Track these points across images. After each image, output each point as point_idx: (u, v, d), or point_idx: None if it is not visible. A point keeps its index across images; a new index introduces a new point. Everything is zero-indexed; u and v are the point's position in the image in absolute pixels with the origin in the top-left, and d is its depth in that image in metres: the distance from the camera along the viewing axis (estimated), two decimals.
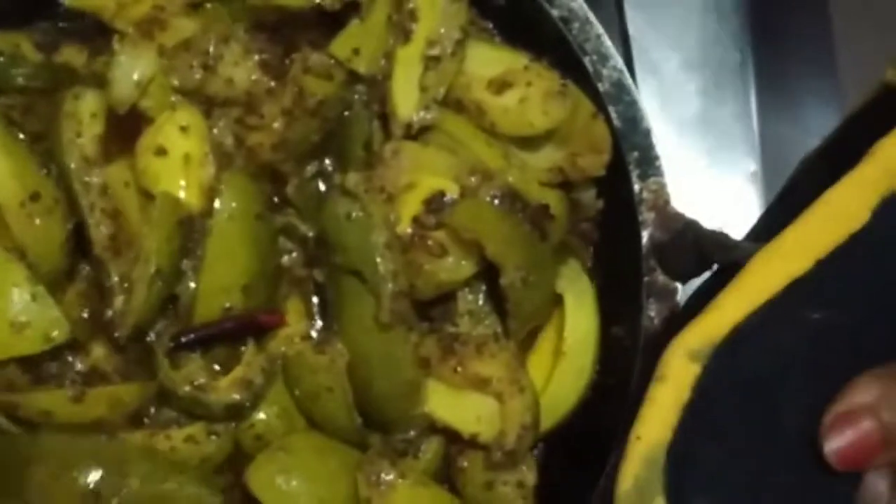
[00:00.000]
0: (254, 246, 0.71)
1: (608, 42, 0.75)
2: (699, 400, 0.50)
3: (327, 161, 0.75)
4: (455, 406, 0.72)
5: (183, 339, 0.70)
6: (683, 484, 0.49)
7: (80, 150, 0.71)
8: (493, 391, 0.71)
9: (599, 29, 0.75)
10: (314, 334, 0.75)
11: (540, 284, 0.72)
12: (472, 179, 0.71)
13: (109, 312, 0.71)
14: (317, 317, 0.76)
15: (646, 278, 0.73)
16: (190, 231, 0.70)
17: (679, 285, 0.73)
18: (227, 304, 0.71)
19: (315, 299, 0.76)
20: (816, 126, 0.96)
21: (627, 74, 0.75)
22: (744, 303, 0.51)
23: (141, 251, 0.69)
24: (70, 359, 0.73)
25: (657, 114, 0.93)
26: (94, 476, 0.69)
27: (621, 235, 0.75)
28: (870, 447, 0.49)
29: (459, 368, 0.71)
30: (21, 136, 0.73)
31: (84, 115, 0.72)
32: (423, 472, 0.73)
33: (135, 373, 0.73)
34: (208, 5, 0.74)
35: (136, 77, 0.71)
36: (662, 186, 0.73)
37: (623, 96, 0.74)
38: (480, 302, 0.74)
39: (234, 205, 0.70)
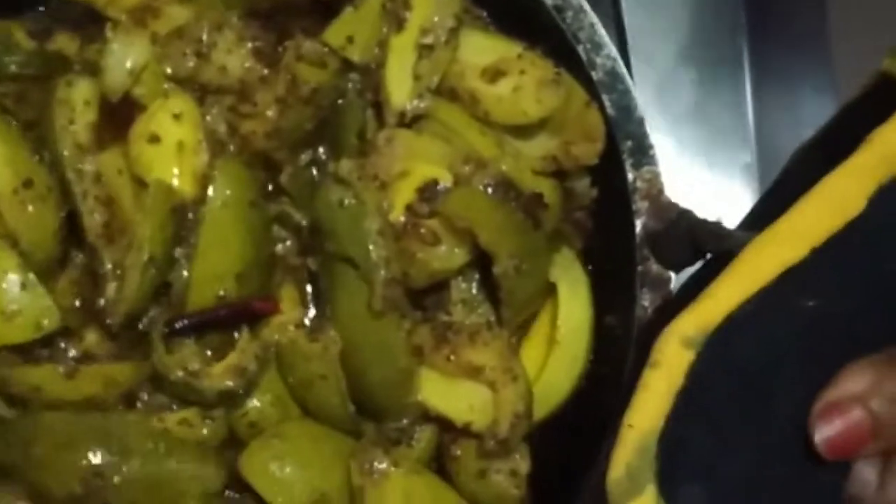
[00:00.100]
0: (247, 233, 0.71)
1: (602, 31, 0.75)
2: (692, 387, 0.50)
3: (321, 149, 0.75)
4: (448, 394, 0.72)
5: (177, 325, 0.70)
6: (675, 471, 0.49)
7: (74, 137, 0.71)
8: (486, 380, 0.71)
9: (593, 17, 0.75)
10: (308, 322, 0.75)
11: (533, 273, 0.71)
12: (466, 168, 0.71)
13: (102, 300, 0.70)
14: (311, 305, 0.76)
15: (639, 268, 0.73)
16: (183, 219, 0.70)
17: (673, 275, 0.73)
18: (221, 292, 0.71)
19: (309, 288, 0.76)
20: (811, 117, 0.96)
21: (621, 63, 0.75)
22: (738, 290, 0.51)
23: (134, 239, 0.69)
24: (62, 345, 0.73)
25: (652, 104, 0.93)
26: (95, 454, 0.69)
27: (615, 225, 0.75)
28: (859, 436, 0.49)
29: (452, 357, 0.71)
30: (14, 123, 0.73)
31: (77, 103, 0.72)
32: (417, 460, 0.73)
33: (128, 358, 0.73)
34: None
35: (128, 65, 0.71)
36: (656, 175, 0.73)
37: (617, 85, 0.74)
38: (474, 290, 0.74)
39: (227, 192, 0.70)
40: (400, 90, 0.72)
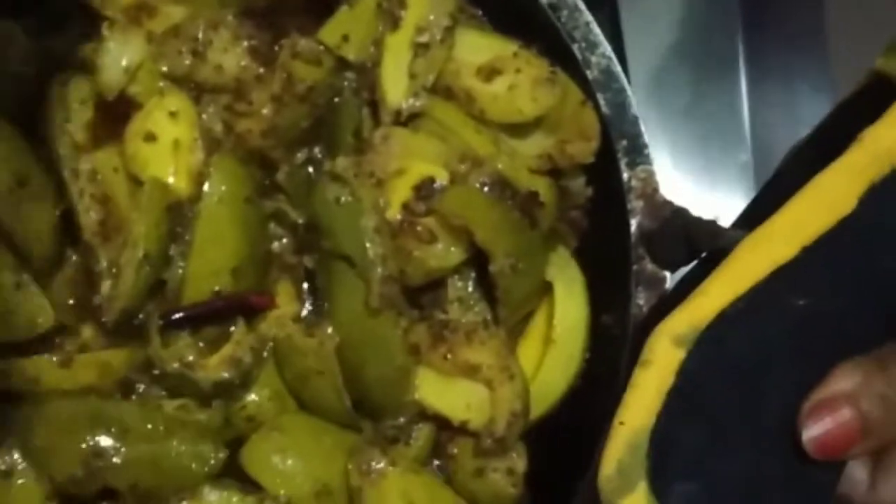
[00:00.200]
0: (243, 229, 0.71)
1: (597, 30, 0.75)
2: (683, 385, 0.50)
3: (317, 148, 0.75)
4: (445, 393, 0.72)
5: (173, 317, 0.71)
6: (666, 469, 0.50)
7: (70, 135, 0.71)
8: (482, 378, 0.71)
9: (588, 17, 0.74)
10: (304, 317, 0.75)
11: (529, 272, 0.72)
12: (462, 166, 0.71)
13: (97, 298, 0.71)
14: (307, 302, 0.76)
15: (634, 267, 0.72)
16: (179, 216, 0.70)
17: (668, 274, 0.72)
18: (216, 288, 0.71)
19: (305, 285, 0.76)
20: (808, 115, 0.96)
21: (616, 62, 0.74)
22: (729, 289, 0.51)
23: (129, 236, 0.69)
24: (58, 340, 0.73)
25: (647, 103, 0.93)
26: (95, 436, 0.69)
27: (610, 224, 0.75)
28: (847, 436, 0.50)
29: (449, 356, 0.71)
30: (9, 121, 0.73)
31: (73, 101, 0.72)
32: (415, 459, 0.73)
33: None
34: None
35: (124, 63, 0.71)
36: (651, 174, 0.73)
37: (612, 84, 0.74)
38: (470, 289, 0.75)
39: (223, 188, 0.70)
40: (395, 89, 0.72)
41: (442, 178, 0.71)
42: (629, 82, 0.75)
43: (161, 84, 0.72)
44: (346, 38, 0.73)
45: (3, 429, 0.71)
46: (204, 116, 0.72)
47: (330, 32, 0.73)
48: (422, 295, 0.75)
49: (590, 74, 0.74)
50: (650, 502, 0.49)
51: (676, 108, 0.96)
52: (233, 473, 0.72)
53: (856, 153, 0.53)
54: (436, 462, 0.76)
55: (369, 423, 0.74)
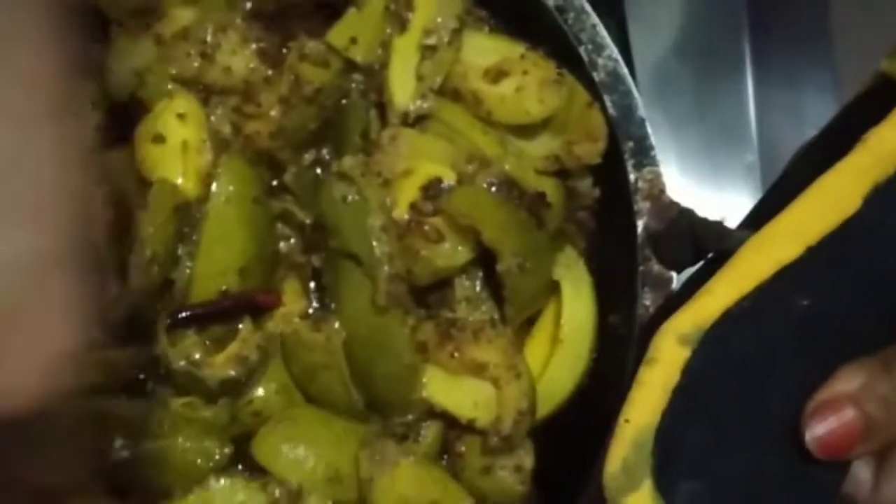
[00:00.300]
0: (251, 229, 0.72)
1: (603, 32, 0.75)
2: (688, 384, 0.50)
3: (325, 150, 0.76)
4: (452, 391, 0.72)
5: (180, 316, 0.71)
6: (671, 467, 0.50)
7: None
8: (489, 377, 0.71)
9: (595, 19, 0.75)
10: (311, 313, 0.75)
11: (537, 271, 0.72)
12: (469, 167, 0.71)
13: (106, 297, 0.71)
14: (314, 300, 0.76)
15: (641, 267, 0.73)
16: (187, 216, 0.71)
17: (674, 274, 0.73)
18: (223, 287, 0.71)
19: (312, 284, 0.76)
20: (814, 117, 0.96)
21: (623, 64, 0.75)
22: (734, 288, 0.52)
23: (137, 237, 0.69)
24: None
25: (654, 105, 0.93)
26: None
27: (617, 225, 0.75)
28: (850, 436, 0.50)
29: (456, 354, 0.71)
30: None
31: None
32: (424, 455, 0.74)
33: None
34: None
35: (133, 66, 0.72)
36: (658, 176, 0.73)
37: (618, 86, 0.75)
38: (478, 288, 0.75)
39: (231, 188, 0.71)
40: (403, 91, 0.73)
41: (449, 179, 0.71)
42: (636, 84, 0.76)
43: (170, 86, 0.72)
44: (353, 41, 0.73)
45: None
46: (212, 118, 0.73)
47: (338, 35, 0.73)
48: (429, 294, 0.75)
49: (596, 76, 0.75)
50: (655, 500, 0.50)
51: (683, 109, 0.95)
52: (248, 468, 0.73)
53: (860, 154, 0.53)
54: (444, 460, 0.76)
55: (378, 420, 0.74)
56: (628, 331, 0.73)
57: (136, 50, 0.72)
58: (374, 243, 0.70)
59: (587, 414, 0.75)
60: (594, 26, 0.75)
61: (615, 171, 0.74)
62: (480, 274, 0.75)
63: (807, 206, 0.53)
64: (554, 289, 0.76)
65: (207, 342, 0.72)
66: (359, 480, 0.71)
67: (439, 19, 0.73)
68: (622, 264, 0.74)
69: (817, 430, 0.50)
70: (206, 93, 0.73)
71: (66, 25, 0.34)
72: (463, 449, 0.74)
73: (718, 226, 0.65)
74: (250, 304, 0.73)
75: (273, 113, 0.72)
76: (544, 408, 0.75)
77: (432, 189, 0.71)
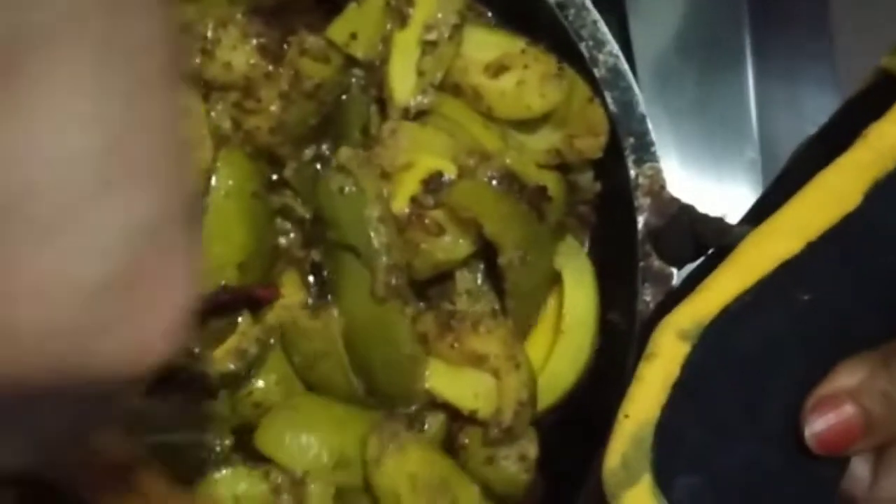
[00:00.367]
0: (250, 224, 0.72)
1: (604, 28, 0.75)
2: (688, 379, 0.50)
3: (325, 145, 0.76)
4: (454, 382, 0.72)
5: None
6: (671, 462, 0.50)
7: None
8: (489, 368, 0.71)
9: (595, 15, 0.75)
10: (310, 302, 0.75)
11: (538, 264, 0.72)
12: (470, 160, 0.71)
13: None
14: (313, 294, 0.76)
15: (641, 263, 0.73)
16: None
17: (675, 270, 0.73)
18: (222, 282, 0.71)
19: (311, 278, 0.76)
20: (815, 113, 0.96)
21: (623, 60, 0.75)
22: (734, 283, 0.52)
23: None
24: None
25: (654, 101, 0.93)
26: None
27: (617, 220, 0.75)
28: (850, 432, 0.50)
29: (456, 345, 0.71)
30: None
31: None
32: (429, 443, 0.74)
33: None
34: None
35: None
36: (658, 171, 0.73)
37: (619, 82, 0.75)
38: (479, 282, 0.75)
39: (230, 182, 0.71)
40: (403, 86, 0.73)
41: (450, 172, 0.72)
42: (636, 80, 0.76)
43: None
44: (354, 36, 0.73)
45: None
46: (213, 114, 0.73)
47: (338, 30, 0.73)
48: (430, 287, 0.75)
49: (597, 73, 0.75)
50: (654, 495, 0.50)
51: (683, 105, 0.95)
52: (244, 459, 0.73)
53: (860, 150, 0.53)
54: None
55: (382, 411, 0.74)
56: (629, 327, 0.73)
57: None
58: (372, 234, 0.70)
59: (588, 411, 0.75)
60: (595, 22, 0.75)
61: (616, 167, 0.75)
62: (482, 267, 0.75)
63: (807, 201, 0.53)
64: (556, 281, 0.76)
65: (207, 337, 0.72)
66: (364, 463, 0.71)
67: (440, 15, 0.73)
68: (622, 260, 0.74)
69: (816, 426, 0.50)
70: (207, 88, 0.73)
71: None
72: (466, 440, 0.74)
73: (719, 222, 0.65)
74: (249, 298, 0.73)
75: (273, 108, 0.72)
76: (548, 398, 0.75)
77: (433, 182, 0.71)
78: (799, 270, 0.52)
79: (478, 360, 0.71)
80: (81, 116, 0.32)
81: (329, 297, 0.74)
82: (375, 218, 0.70)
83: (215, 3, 0.73)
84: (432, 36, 0.72)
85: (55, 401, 0.36)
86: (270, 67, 0.73)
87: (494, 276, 0.73)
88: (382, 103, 0.74)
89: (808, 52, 0.98)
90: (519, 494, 0.74)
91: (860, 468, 0.53)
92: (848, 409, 0.50)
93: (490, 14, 0.79)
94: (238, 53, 0.72)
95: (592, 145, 0.74)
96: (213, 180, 0.71)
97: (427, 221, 0.71)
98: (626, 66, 0.75)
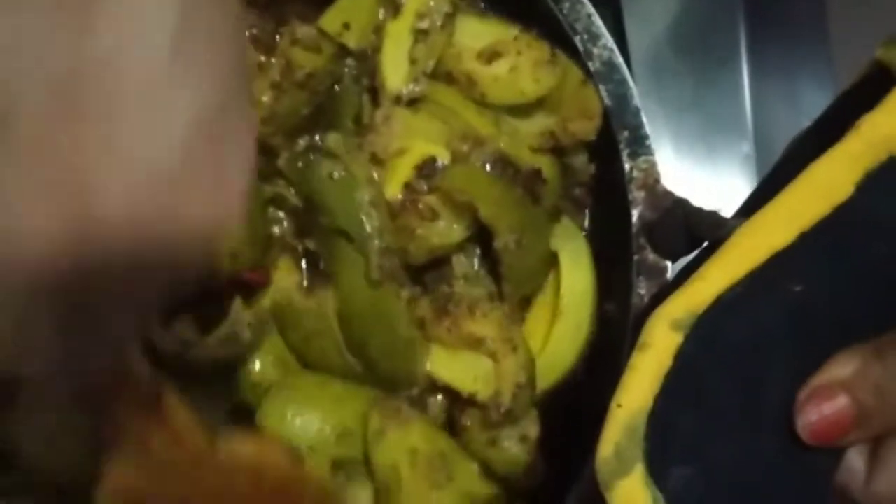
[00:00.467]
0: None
1: (599, 21, 0.75)
2: (681, 369, 0.50)
3: (318, 136, 0.75)
4: (453, 365, 0.72)
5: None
6: (664, 452, 0.50)
7: None
8: (487, 351, 0.71)
9: (590, 8, 0.75)
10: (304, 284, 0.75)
11: (533, 247, 0.72)
12: (464, 145, 0.71)
13: None
14: (307, 278, 0.76)
15: (636, 257, 0.73)
16: None
17: (669, 264, 0.73)
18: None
19: (305, 266, 0.76)
20: (810, 107, 0.96)
21: (618, 53, 0.75)
22: (727, 274, 0.51)
23: None
24: None
25: (649, 95, 0.93)
26: None
27: (612, 214, 0.75)
28: (842, 423, 0.50)
29: (453, 328, 0.71)
30: None
31: None
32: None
33: None
34: None
35: None
36: (652, 165, 0.73)
37: (613, 75, 0.75)
38: (475, 266, 0.75)
39: None
40: (395, 74, 0.73)
41: (444, 158, 0.72)
42: (631, 74, 0.76)
43: None
44: (346, 26, 0.73)
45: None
46: None
47: (331, 20, 0.73)
48: (426, 273, 0.75)
49: (591, 66, 0.75)
50: (647, 485, 0.49)
51: (678, 99, 0.95)
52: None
53: (853, 141, 0.53)
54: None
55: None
56: (623, 320, 0.73)
57: None
58: (364, 218, 0.70)
59: (583, 405, 0.75)
60: (589, 16, 0.75)
61: (610, 160, 0.75)
62: (478, 252, 0.75)
63: (800, 192, 0.53)
64: (553, 263, 0.76)
65: (200, 324, 0.72)
66: (364, 437, 0.71)
67: (432, 3, 0.73)
68: (617, 253, 0.74)
69: (809, 417, 0.50)
70: None
71: None
72: (468, 423, 0.73)
73: (713, 215, 0.65)
74: (240, 284, 0.73)
75: (265, 98, 0.72)
76: (548, 378, 0.75)
77: (426, 168, 0.71)
78: (791, 261, 0.51)
79: (475, 343, 0.71)
80: None
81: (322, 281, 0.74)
82: (367, 202, 0.70)
83: None
84: (424, 24, 0.73)
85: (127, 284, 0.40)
86: (263, 59, 0.72)
87: (491, 260, 0.73)
88: (375, 93, 0.74)
89: (804, 46, 0.98)
90: (520, 475, 0.74)
91: (856, 461, 0.53)
92: (841, 401, 0.50)
93: (483, 7, 0.79)
94: None
95: (586, 127, 0.74)
96: None
97: (421, 207, 0.71)
98: (620, 60, 0.75)
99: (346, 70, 0.75)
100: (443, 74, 0.74)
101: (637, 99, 0.74)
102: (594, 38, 0.75)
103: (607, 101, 0.74)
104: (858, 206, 0.52)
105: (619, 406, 0.50)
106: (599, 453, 0.50)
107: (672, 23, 0.96)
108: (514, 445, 0.73)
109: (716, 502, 0.51)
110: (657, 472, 0.50)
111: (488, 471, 0.73)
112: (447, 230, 0.71)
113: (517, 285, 0.73)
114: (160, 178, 0.37)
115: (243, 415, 0.73)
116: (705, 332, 0.51)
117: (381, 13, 0.74)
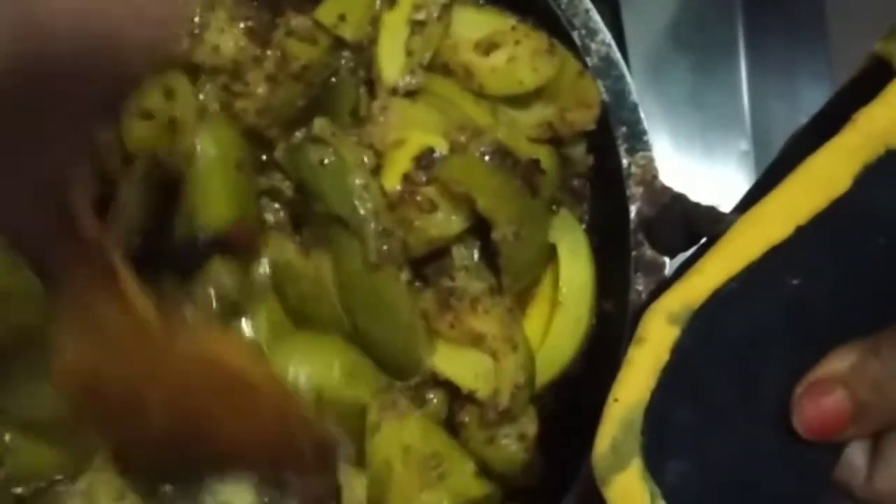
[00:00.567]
0: (232, 194, 0.71)
1: (597, 17, 0.75)
2: (678, 363, 0.50)
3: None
4: (455, 361, 0.72)
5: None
6: (660, 446, 0.50)
7: None
8: (487, 348, 0.71)
9: (588, 3, 0.75)
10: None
11: (532, 239, 0.72)
12: (462, 136, 0.71)
13: None
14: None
15: (634, 252, 0.72)
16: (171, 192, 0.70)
17: (667, 259, 0.72)
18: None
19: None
20: (808, 103, 0.96)
21: (616, 49, 0.75)
22: (724, 268, 0.51)
23: (118, 207, 0.69)
24: None
25: (647, 90, 0.93)
26: None
27: (609, 210, 0.75)
28: (839, 418, 0.49)
29: (456, 324, 0.71)
30: None
31: None
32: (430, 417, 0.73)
33: None
34: None
35: None
36: (650, 161, 0.73)
37: (611, 71, 0.74)
38: (475, 258, 0.74)
39: (212, 152, 0.70)
40: (392, 66, 0.73)
41: (442, 148, 0.71)
42: (629, 69, 0.76)
43: None
44: (342, 18, 0.73)
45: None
46: (201, 96, 0.72)
47: (327, 12, 0.73)
48: (426, 266, 0.74)
49: (589, 61, 0.75)
50: (644, 480, 0.49)
51: (676, 95, 0.95)
52: None
53: (850, 134, 0.53)
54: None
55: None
56: (621, 316, 0.73)
57: None
58: (356, 202, 0.69)
59: (582, 403, 0.75)
60: (587, 11, 0.75)
61: (607, 155, 0.74)
62: (478, 243, 0.74)
63: (797, 185, 0.53)
64: (552, 255, 0.76)
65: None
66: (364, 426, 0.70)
67: None
68: (615, 249, 0.74)
69: (806, 411, 0.50)
70: (196, 71, 0.73)
71: None
72: (467, 419, 0.73)
73: (711, 211, 0.65)
74: (227, 242, 0.71)
75: (260, 90, 0.72)
76: (548, 372, 0.75)
77: (425, 159, 0.71)
78: (788, 255, 0.51)
79: (477, 340, 0.71)
80: None
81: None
82: (359, 185, 0.69)
83: None
84: (421, 16, 0.72)
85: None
86: (259, 51, 0.72)
87: (490, 252, 0.73)
88: (371, 85, 0.74)
89: (803, 43, 0.98)
90: (518, 473, 0.73)
91: (857, 458, 0.53)
92: (838, 395, 0.49)
93: (481, 1, 0.79)
94: (226, 37, 0.72)
95: (585, 117, 0.74)
96: (198, 146, 0.70)
97: (419, 198, 0.70)
98: (618, 55, 0.75)
99: (343, 62, 0.74)
100: (440, 66, 0.74)
101: (635, 94, 0.74)
102: (592, 33, 0.75)
103: (605, 96, 0.74)
104: (856, 199, 0.52)
105: (615, 401, 0.50)
106: (596, 448, 0.50)
107: (670, 19, 0.96)
108: (513, 443, 0.72)
109: (713, 497, 0.51)
110: (654, 467, 0.49)
111: (485, 470, 0.73)
112: (446, 221, 0.71)
113: (516, 277, 0.72)
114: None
115: None
116: (702, 326, 0.51)
117: (378, 4, 0.73)
